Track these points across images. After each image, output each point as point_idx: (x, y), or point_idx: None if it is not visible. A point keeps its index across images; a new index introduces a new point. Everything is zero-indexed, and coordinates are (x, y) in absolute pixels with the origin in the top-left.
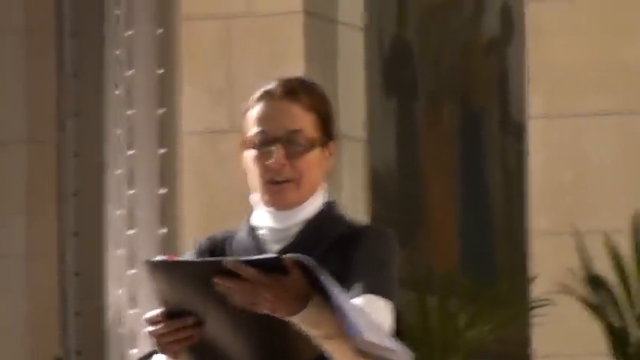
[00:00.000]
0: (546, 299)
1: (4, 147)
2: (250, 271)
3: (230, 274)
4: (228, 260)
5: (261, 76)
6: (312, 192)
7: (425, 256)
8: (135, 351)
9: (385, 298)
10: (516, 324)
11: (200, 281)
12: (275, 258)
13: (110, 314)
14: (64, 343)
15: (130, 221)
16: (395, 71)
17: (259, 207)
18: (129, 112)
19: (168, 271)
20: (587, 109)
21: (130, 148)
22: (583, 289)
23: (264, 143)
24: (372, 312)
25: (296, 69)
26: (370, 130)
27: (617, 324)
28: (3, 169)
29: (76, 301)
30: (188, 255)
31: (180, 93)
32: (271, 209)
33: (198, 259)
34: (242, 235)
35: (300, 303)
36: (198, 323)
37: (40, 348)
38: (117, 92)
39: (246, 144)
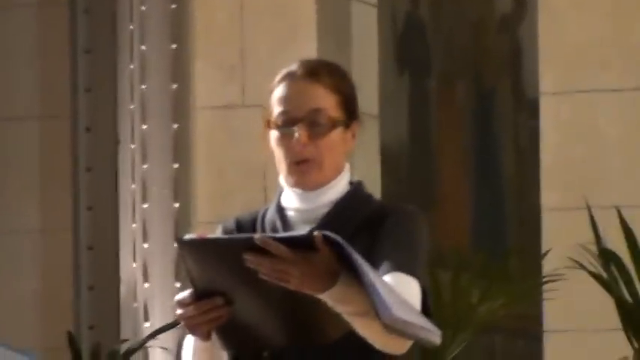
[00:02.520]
0: (558, 274)
1: (18, 122)
2: (280, 248)
3: (260, 250)
4: (258, 237)
5: (273, 53)
6: (336, 172)
7: (437, 232)
8: (148, 324)
9: (413, 276)
10: (528, 299)
11: (231, 258)
12: (305, 235)
13: (124, 288)
14: (77, 318)
15: (144, 195)
16: (408, 48)
17: (287, 188)
18: (142, 87)
19: (200, 248)
20: (599, 86)
21: (143, 122)
22: (595, 265)
23: (286, 124)
24: (400, 290)
25: (309, 45)
26: (383, 108)
27: (629, 299)
28: (16, 145)
29: (89, 276)
30: (216, 234)
31: (193, 68)
32: (297, 190)
33: (229, 236)
34: (271, 215)
35: (329, 280)
36: (228, 303)
37: (53, 322)
38: (130, 67)
39: (270, 125)
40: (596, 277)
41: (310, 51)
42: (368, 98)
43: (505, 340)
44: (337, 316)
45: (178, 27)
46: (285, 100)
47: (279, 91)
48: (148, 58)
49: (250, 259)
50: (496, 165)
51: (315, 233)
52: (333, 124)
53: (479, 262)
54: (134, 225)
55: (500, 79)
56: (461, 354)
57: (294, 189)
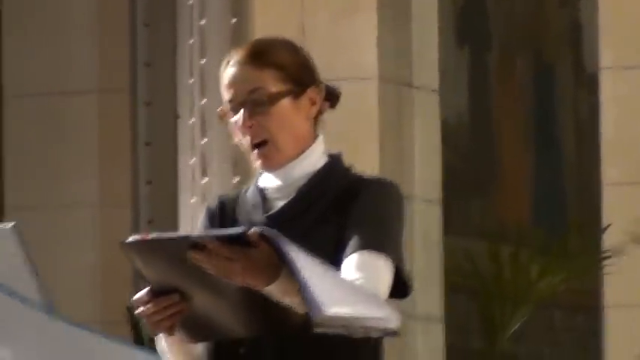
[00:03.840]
0: (618, 249)
1: (78, 96)
2: (216, 245)
3: (203, 247)
4: (195, 235)
5: (333, 26)
6: (301, 144)
7: (497, 208)
8: None
9: (383, 253)
10: (588, 274)
11: (176, 256)
12: (241, 232)
13: None
14: (136, 292)
15: (203, 170)
16: (468, 22)
17: None
18: (201, 62)
19: (144, 249)
20: None
21: (202, 97)
22: None
23: (234, 110)
24: (365, 270)
25: (368, 20)
26: (443, 82)
27: None
28: (76, 119)
29: None
30: (201, 217)
31: None
32: (266, 171)
33: (169, 235)
34: (250, 193)
35: (271, 274)
36: (185, 298)
37: (113, 298)
38: (190, 42)
39: (224, 115)
40: None
41: (370, 25)
42: (428, 72)
43: (565, 316)
44: (290, 306)
45: (238, 1)
46: (229, 86)
47: (223, 80)
48: (207, 33)
49: (193, 257)
50: (556, 140)
51: (251, 230)
52: (274, 98)
53: (539, 237)
54: (194, 199)
55: (560, 53)
56: (520, 329)
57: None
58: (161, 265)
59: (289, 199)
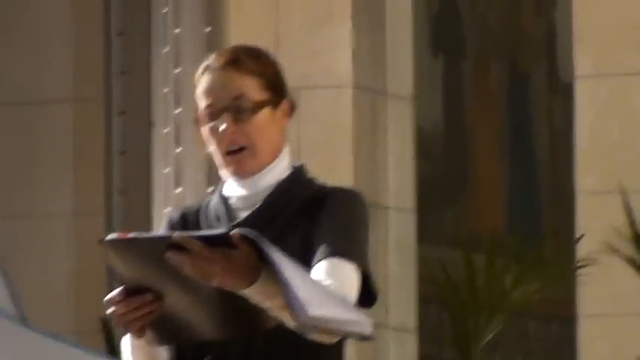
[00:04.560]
0: (592, 259)
1: (51, 105)
2: (197, 246)
3: (182, 248)
4: (176, 235)
5: (308, 35)
6: (273, 155)
7: (471, 216)
8: None
9: (351, 260)
10: (562, 283)
11: (154, 256)
12: (223, 233)
13: None
14: None
15: (177, 179)
16: (442, 30)
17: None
18: (176, 71)
19: (123, 248)
20: (634, 69)
21: (177, 106)
22: (629, 249)
23: (213, 116)
24: (334, 277)
25: (343, 27)
26: (417, 89)
27: None
28: (50, 128)
29: None
30: (162, 227)
31: None
32: (236, 178)
33: (149, 235)
34: (214, 204)
35: (250, 276)
36: (158, 298)
37: (86, 307)
38: (164, 50)
39: (199, 121)
40: (630, 261)
41: (345, 32)
42: (402, 80)
43: (539, 325)
44: (265, 310)
45: (212, 9)
46: (208, 92)
47: (201, 85)
48: (182, 41)
49: (171, 257)
50: (531, 148)
51: (233, 232)
52: (258, 107)
53: (513, 246)
54: (167, 209)
55: (535, 61)
56: (494, 338)
57: (233, 178)
58: (138, 265)
59: (254, 208)
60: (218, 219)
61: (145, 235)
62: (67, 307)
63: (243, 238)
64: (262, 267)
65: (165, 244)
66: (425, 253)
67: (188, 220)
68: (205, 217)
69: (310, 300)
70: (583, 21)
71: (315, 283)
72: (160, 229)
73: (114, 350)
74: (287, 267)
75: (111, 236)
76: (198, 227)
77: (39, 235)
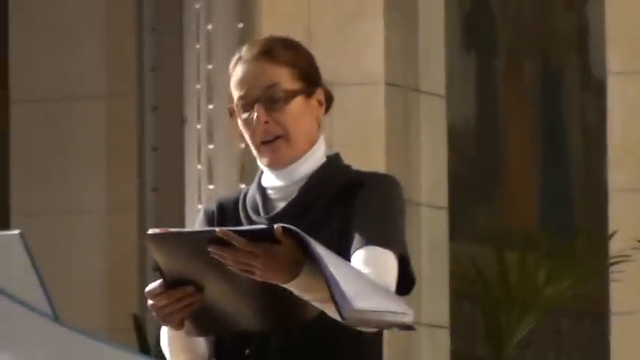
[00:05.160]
0: (625, 255)
1: (84, 101)
2: (240, 240)
3: (224, 242)
4: (219, 230)
5: (340, 31)
6: (308, 144)
7: (503, 213)
8: None
9: (389, 248)
10: (595, 280)
11: (196, 250)
12: (266, 228)
13: None
14: (142, 299)
15: (210, 176)
16: (475, 27)
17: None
18: (208, 67)
19: (165, 242)
20: None
21: (209, 102)
22: None
23: (246, 107)
24: (373, 266)
25: (375, 24)
26: (449, 87)
27: None
28: (83, 124)
29: None
30: (199, 220)
31: None
32: (272, 169)
33: (192, 230)
34: (252, 194)
35: (292, 270)
36: (198, 290)
37: (119, 304)
38: (197, 46)
39: (233, 112)
40: None
41: (377, 29)
42: (435, 77)
43: (571, 322)
44: (307, 301)
45: (245, 6)
46: (241, 83)
47: (234, 77)
48: (214, 37)
49: (214, 252)
50: (563, 145)
51: (275, 226)
52: (291, 96)
53: (545, 242)
54: (200, 206)
55: (567, 58)
56: (526, 335)
57: (268, 169)
58: (179, 259)
59: (290, 199)
60: (256, 210)
61: (188, 230)
62: (99, 303)
63: (287, 232)
64: (305, 261)
65: (208, 238)
66: (457, 250)
67: (226, 210)
68: (243, 208)
69: (355, 293)
70: (615, 18)
71: (359, 275)
72: (197, 222)
73: (146, 347)
74: (330, 260)
75: (152, 231)
76: (236, 218)
77: (72, 232)
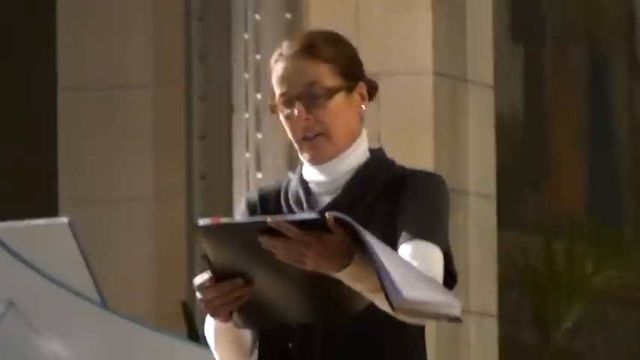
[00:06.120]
0: None
1: (132, 90)
2: (292, 230)
3: (275, 232)
4: (271, 219)
5: (388, 21)
6: (349, 139)
7: (551, 201)
8: None
9: (435, 243)
10: None
11: (246, 241)
12: (317, 217)
13: None
14: (191, 287)
15: (258, 165)
16: (522, 16)
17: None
18: (257, 57)
19: (215, 233)
20: None
21: (257, 92)
22: None
23: (287, 104)
24: (420, 259)
25: (423, 14)
26: (497, 77)
27: None
28: (131, 113)
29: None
30: (239, 210)
31: None
32: (313, 165)
33: (243, 220)
34: (294, 187)
35: (343, 260)
36: (248, 283)
37: (167, 291)
38: (245, 36)
39: (274, 109)
40: None
41: (425, 19)
42: (483, 67)
43: (619, 310)
44: (357, 292)
45: None
46: (282, 80)
47: (275, 73)
48: (262, 28)
49: (265, 242)
50: (611, 133)
51: (327, 215)
52: (332, 92)
53: (593, 231)
54: None
55: (615, 45)
56: (575, 323)
57: (310, 164)
58: (229, 249)
59: (336, 194)
60: (299, 204)
61: (238, 219)
62: (147, 291)
63: (338, 221)
64: (355, 250)
65: (259, 228)
66: (505, 239)
67: (268, 202)
68: (285, 200)
69: (405, 283)
70: None
71: (409, 266)
72: (238, 212)
73: (194, 334)
74: (381, 250)
75: (203, 221)
76: (278, 210)
77: (120, 220)
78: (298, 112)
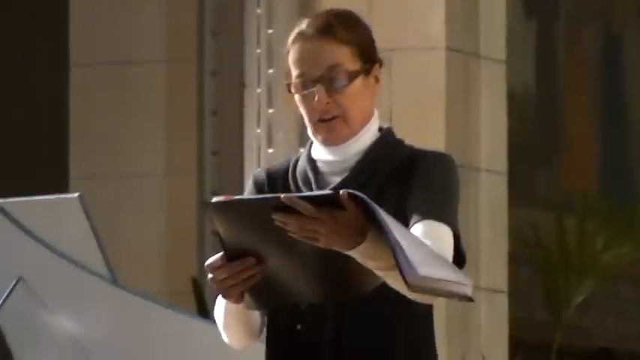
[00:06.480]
0: None
1: (144, 65)
2: (306, 207)
3: (288, 209)
4: (285, 196)
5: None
6: (364, 122)
7: (563, 178)
8: None
9: (446, 223)
10: None
11: (259, 218)
12: (331, 193)
13: None
14: (201, 263)
15: (269, 140)
16: None
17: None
18: (269, 32)
19: (228, 210)
20: None
21: (269, 67)
22: None
23: (305, 86)
24: (432, 239)
25: None
26: (510, 52)
27: None
28: (143, 88)
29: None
30: (248, 188)
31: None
32: (326, 145)
33: (256, 196)
34: (302, 166)
35: (357, 237)
36: (259, 262)
37: (177, 267)
38: (257, 11)
39: (291, 89)
40: None
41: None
42: (495, 42)
43: (630, 287)
44: (369, 270)
45: None
46: (301, 61)
47: (293, 54)
48: (274, 2)
49: (278, 218)
50: (624, 110)
51: (341, 192)
52: (352, 77)
53: (605, 208)
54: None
55: (628, 22)
56: (584, 300)
57: (323, 145)
58: (242, 227)
59: (346, 174)
60: (307, 183)
61: (251, 196)
62: (158, 267)
63: (352, 198)
64: (369, 228)
65: (272, 205)
66: (516, 215)
67: (275, 181)
68: (293, 179)
69: (419, 260)
70: None
71: (422, 244)
72: (246, 191)
73: (204, 310)
74: (395, 227)
75: (217, 198)
76: (286, 190)
77: (131, 195)
78: (319, 96)
